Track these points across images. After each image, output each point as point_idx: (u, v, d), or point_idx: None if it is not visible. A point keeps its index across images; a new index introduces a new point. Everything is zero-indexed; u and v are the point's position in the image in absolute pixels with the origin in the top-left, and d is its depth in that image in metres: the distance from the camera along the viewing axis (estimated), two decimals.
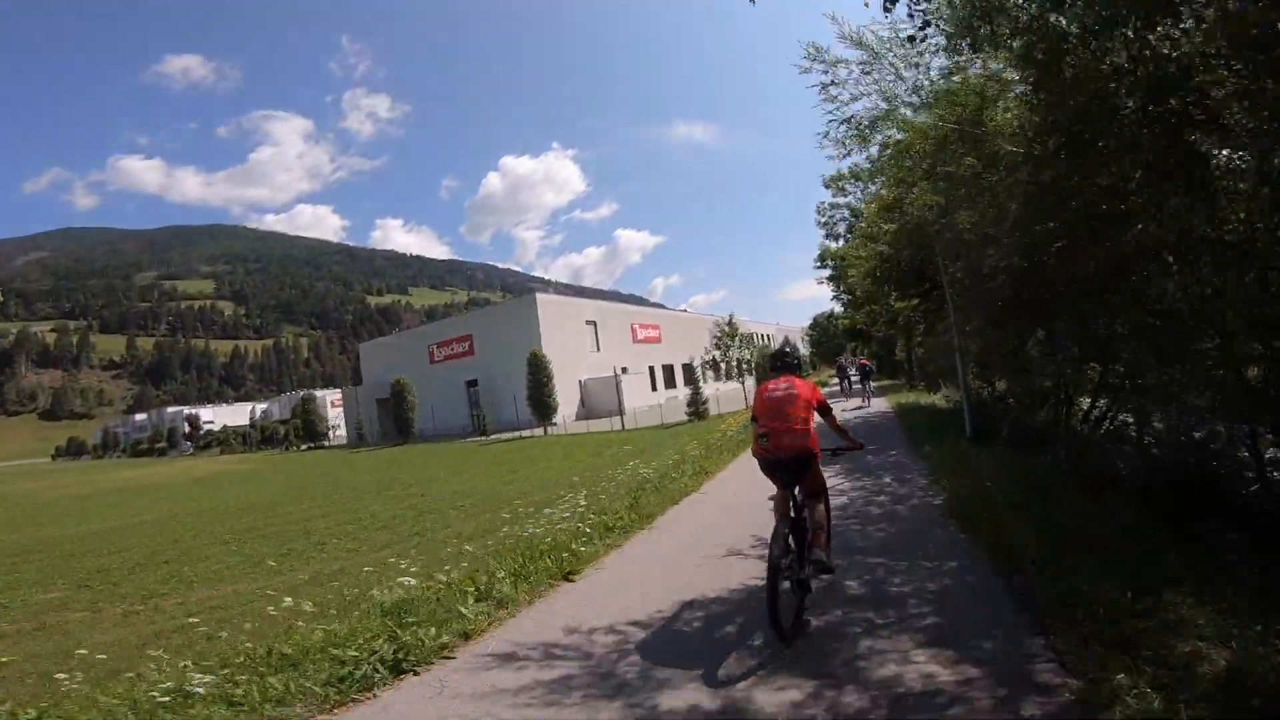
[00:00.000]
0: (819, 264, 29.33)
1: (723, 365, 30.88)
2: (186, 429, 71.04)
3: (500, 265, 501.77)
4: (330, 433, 52.06)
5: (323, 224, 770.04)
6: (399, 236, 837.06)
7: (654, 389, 52.72)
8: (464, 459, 22.34)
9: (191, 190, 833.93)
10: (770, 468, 3.98)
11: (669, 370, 53.84)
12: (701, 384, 25.96)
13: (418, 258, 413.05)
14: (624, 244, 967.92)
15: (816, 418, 4.11)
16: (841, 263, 24.95)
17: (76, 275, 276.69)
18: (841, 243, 26.30)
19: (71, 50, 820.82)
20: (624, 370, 36.58)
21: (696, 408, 24.58)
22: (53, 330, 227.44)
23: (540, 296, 36.63)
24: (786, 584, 3.58)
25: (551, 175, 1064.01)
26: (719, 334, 29.06)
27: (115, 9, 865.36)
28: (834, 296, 29.06)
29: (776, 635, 3.39)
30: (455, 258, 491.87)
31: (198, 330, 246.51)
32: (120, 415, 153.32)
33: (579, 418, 37.50)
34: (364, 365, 52.21)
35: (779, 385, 4.03)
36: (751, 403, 4.36)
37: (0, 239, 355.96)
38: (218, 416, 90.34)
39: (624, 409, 34.85)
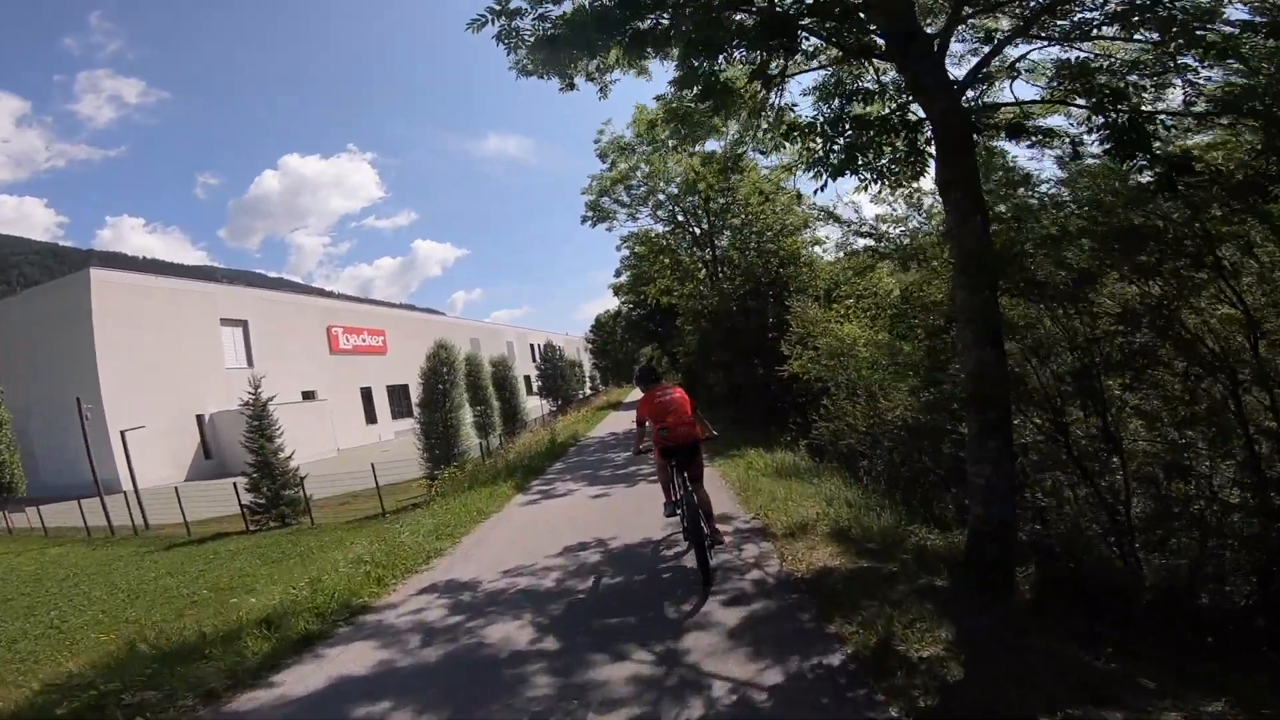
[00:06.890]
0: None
1: None
2: None
3: (270, 274, 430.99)
4: None
5: (29, 220, 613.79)
6: (137, 238, 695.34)
7: (372, 420, 38.66)
8: None
9: None
10: (671, 453, 5.23)
11: (400, 393, 39.93)
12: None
13: (155, 262, 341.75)
14: (423, 255, 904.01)
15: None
16: None
17: None
18: None
19: None
20: (312, 397, 23.20)
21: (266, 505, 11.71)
22: None
23: (99, 274, 20.75)
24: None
25: (343, 178, 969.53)
26: None
27: None
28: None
29: (704, 580, 4.77)
30: (211, 264, 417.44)
31: None
32: None
33: (192, 477, 23.20)
34: None
35: (665, 391, 5.43)
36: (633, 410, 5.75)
37: None
38: None
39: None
